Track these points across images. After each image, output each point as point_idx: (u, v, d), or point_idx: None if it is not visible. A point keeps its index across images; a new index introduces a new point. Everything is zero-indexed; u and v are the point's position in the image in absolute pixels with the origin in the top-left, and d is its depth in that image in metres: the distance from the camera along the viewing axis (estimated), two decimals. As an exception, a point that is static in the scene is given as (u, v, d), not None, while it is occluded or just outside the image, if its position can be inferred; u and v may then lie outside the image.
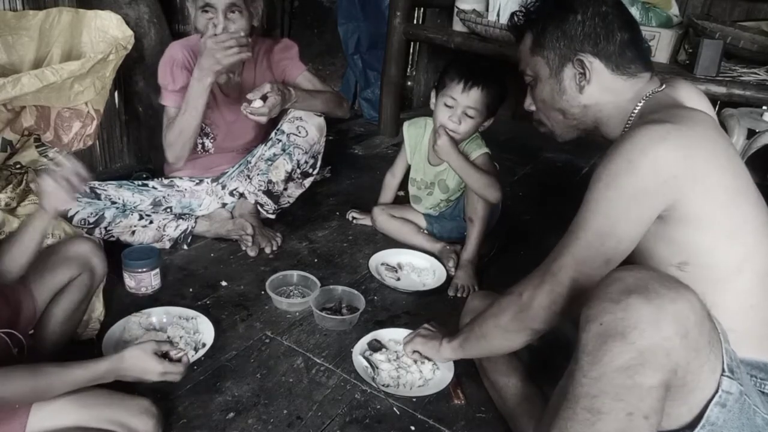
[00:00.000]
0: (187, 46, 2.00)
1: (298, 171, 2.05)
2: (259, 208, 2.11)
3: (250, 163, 2.12)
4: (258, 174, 2.05)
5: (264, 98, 1.81)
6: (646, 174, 0.95)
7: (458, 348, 1.32)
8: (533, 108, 1.29)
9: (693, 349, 0.79)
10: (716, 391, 0.83)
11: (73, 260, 1.36)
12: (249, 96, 1.81)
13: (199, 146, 2.11)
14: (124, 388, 1.19)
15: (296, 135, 2.01)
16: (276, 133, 2.05)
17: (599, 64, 1.14)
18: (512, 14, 1.28)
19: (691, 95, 1.17)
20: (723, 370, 0.83)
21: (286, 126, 2.04)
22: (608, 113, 1.17)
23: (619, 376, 0.79)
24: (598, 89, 1.16)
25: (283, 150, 2.01)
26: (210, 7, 1.81)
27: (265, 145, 2.07)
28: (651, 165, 0.95)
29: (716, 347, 0.84)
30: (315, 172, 2.11)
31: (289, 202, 2.16)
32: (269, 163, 2.03)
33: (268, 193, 2.05)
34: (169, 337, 1.48)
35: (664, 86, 1.15)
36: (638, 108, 1.12)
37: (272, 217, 2.14)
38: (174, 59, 1.96)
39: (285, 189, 2.07)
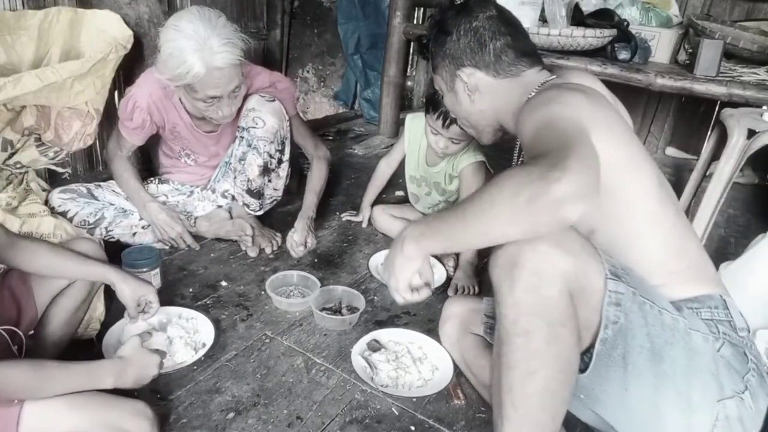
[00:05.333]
0: (160, 82, 1.79)
1: (273, 161, 2.01)
2: (246, 208, 2.07)
3: (230, 163, 2.06)
4: (237, 175, 2.02)
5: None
6: (575, 98, 1.04)
7: (424, 229, 1.04)
8: (453, 115, 1.45)
9: (569, 253, 0.93)
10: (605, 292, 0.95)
11: None
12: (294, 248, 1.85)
13: (183, 160, 2.11)
14: (121, 391, 1.18)
15: (255, 127, 1.94)
16: (239, 131, 1.99)
17: (481, 74, 1.26)
18: (417, 38, 1.40)
19: (583, 80, 1.22)
20: (606, 274, 0.95)
21: (243, 121, 1.96)
22: (505, 110, 1.27)
23: (528, 295, 0.93)
24: (488, 95, 1.27)
25: (249, 146, 1.96)
26: (213, 98, 1.74)
27: (235, 144, 2.02)
28: (572, 98, 1.04)
29: (593, 254, 0.96)
30: (286, 158, 2.06)
31: (275, 198, 2.12)
32: (242, 162, 1.99)
33: (250, 192, 2.02)
34: (169, 337, 1.48)
35: (554, 76, 1.23)
36: (532, 94, 1.18)
37: (260, 214, 2.10)
38: (137, 103, 1.86)
39: (269, 181, 2.04)
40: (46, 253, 1.25)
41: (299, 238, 1.86)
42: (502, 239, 0.95)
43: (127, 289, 1.34)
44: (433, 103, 1.82)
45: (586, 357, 0.98)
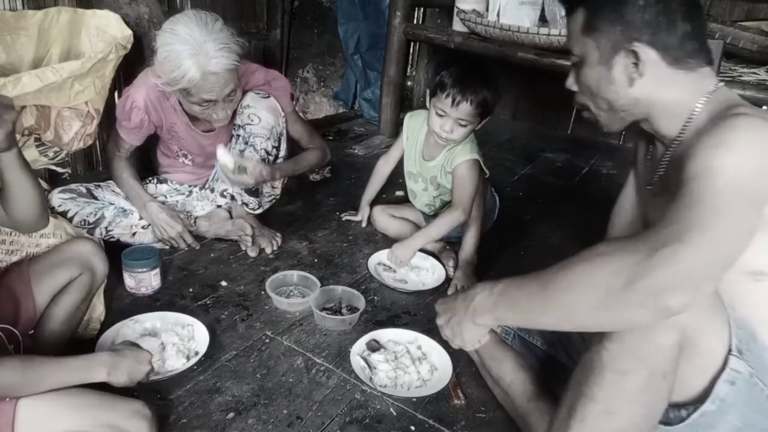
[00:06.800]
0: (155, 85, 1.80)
1: (270, 158, 2.00)
2: (245, 207, 2.06)
3: None
4: None
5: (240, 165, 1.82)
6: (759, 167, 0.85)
7: (497, 294, 1.00)
8: (575, 88, 1.18)
9: (695, 309, 0.84)
10: (723, 368, 0.88)
11: (73, 260, 1.36)
12: (221, 157, 1.80)
13: (180, 160, 2.11)
14: (120, 391, 1.17)
15: (251, 124, 1.94)
16: (235, 129, 1.99)
17: (655, 55, 1.02)
18: None
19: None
20: (730, 350, 0.87)
21: (238, 119, 1.97)
22: (663, 107, 1.06)
23: (638, 337, 0.86)
24: (652, 82, 1.04)
25: (246, 143, 1.95)
26: (209, 102, 1.75)
27: (232, 142, 2.01)
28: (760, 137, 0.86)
29: (721, 317, 0.88)
30: (282, 154, 2.06)
31: (274, 196, 2.12)
32: None
33: (248, 190, 2.01)
34: (162, 343, 1.45)
35: (723, 84, 1.05)
36: (701, 104, 1.02)
37: (259, 212, 2.10)
38: (135, 102, 1.86)
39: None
40: None
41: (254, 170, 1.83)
42: (590, 328, 0.86)
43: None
44: (440, 84, 1.81)
45: (671, 412, 0.92)
